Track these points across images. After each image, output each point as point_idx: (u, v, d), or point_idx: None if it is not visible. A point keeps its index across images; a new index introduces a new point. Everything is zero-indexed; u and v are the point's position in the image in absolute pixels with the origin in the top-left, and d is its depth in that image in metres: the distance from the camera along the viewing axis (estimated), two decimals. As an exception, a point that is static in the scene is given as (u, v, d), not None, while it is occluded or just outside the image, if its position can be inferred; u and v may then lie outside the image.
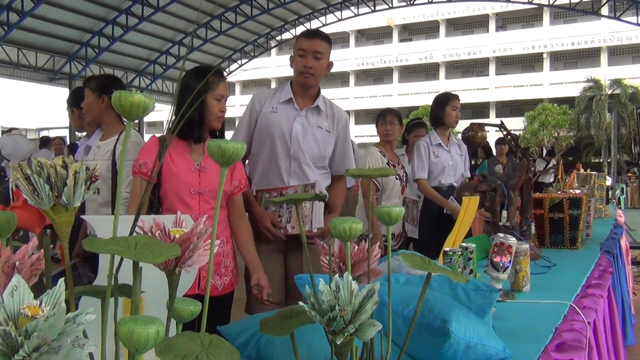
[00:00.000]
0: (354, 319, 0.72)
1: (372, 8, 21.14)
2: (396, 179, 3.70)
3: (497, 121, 3.48)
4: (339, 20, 22.05)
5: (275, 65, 39.35)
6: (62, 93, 19.27)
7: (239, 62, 22.99)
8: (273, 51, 33.74)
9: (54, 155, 7.27)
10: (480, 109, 36.60)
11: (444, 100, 3.88)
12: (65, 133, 18.39)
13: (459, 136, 4.08)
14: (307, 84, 2.53)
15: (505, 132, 2.99)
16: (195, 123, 2.14)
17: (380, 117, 3.94)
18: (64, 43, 17.07)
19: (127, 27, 17.02)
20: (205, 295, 0.71)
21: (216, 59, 21.56)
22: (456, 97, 3.92)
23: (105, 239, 0.64)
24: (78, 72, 18.11)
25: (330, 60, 2.58)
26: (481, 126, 3.59)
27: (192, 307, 0.78)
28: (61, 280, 0.58)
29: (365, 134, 36.83)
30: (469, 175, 4.07)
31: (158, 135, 2.39)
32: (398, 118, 3.91)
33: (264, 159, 2.52)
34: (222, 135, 2.37)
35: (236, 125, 2.63)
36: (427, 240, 3.71)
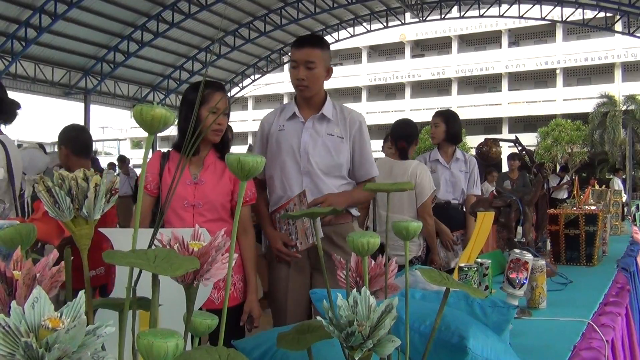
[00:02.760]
0: (373, 335, 0.72)
1: (385, 24, 21.25)
2: None
3: (510, 137, 3.48)
4: (352, 36, 22.19)
5: (288, 81, 39.53)
6: (77, 107, 19.53)
7: (252, 77, 23.15)
8: (285, 66, 33.99)
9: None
10: (492, 125, 36.48)
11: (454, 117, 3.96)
12: (79, 147, 18.56)
13: (473, 151, 4.07)
14: (303, 96, 2.43)
15: (520, 148, 2.97)
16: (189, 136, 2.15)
17: (387, 138, 4.02)
18: (79, 58, 17.32)
19: (142, 43, 17.24)
20: (223, 309, 0.70)
21: (229, 74, 21.75)
22: (435, 114, 3.99)
23: (124, 252, 0.64)
24: (93, 86, 18.34)
25: (329, 65, 2.46)
26: (496, 141, 3.58)
27: (209, 321, 0.78)
28: (81, 293, 0.58)
29: (377, 149, 36.82)
30: (478, 192, 4.00)
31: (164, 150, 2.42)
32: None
33: (277, 179, 2.45)
34: (225, 149, 2.33)
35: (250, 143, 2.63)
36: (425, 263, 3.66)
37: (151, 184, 2.25)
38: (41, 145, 4.18)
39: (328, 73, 2.46)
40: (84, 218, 0.67)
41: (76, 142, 3.06)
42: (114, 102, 20.23)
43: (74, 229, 0.67)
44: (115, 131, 49.77)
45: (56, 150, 3.90)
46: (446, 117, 3.89)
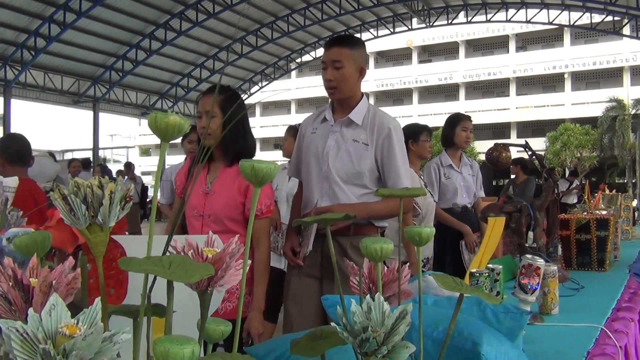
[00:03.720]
0: (387, 341, 0.71)
1: (392, 30, 21.26)
2: (435, 201, 3.65)
3: (519, 142, 3.46)
4: (359, 42, 22.18)
5: (295, 87, 39.68)
6: (86, 115, 19.68)
7: (260, 84, 23.23)
8: (293, 73, 34.08)
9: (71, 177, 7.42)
10: (500, 130, 36.39)
11: (455, 121, 3.86)
12: (89, 155, 18.70)
13: (481, 156, 4.07)
14: (334, 98, 2.35)
15: (530, 152, 2.96)
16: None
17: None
18: (88, 67, 17.44)
19: (150, 51, 17.34)
20: (238, 315, 0.70)
21: (237, 81, 21.83)
22: (467, 117, 3.89)
23: (139, 259, 0.64)
24: (102, 95, 18.46)
25: (362, 65, 2.32)
26: (506, 146, 3.57)
27: (222, 328, 0.78)
28: (97, 300, 0.59)
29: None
30: (483, 195, 4.02)
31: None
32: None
33: (304, 182, 2.41)
34: (239, 157, 2.26)
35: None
36: (444, 265, 3.64)
37: (179, 188, 2.31)
38: (51, 154, 4.23)
39: (361, 73, 2.33)
40: (99, 225, 0.67)
41: (9, 151, 3.12)
42: (122, 110, 20.35)
43: (89, 236, 0.67)
44: (124, 139, 50.08)
45: (65, 158, 3.94)
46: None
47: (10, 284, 0.61)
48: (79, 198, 0.65)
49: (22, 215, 0.94)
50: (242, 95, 23.05)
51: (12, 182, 0.95)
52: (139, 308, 0.72)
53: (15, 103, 16.45)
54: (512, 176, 7.37)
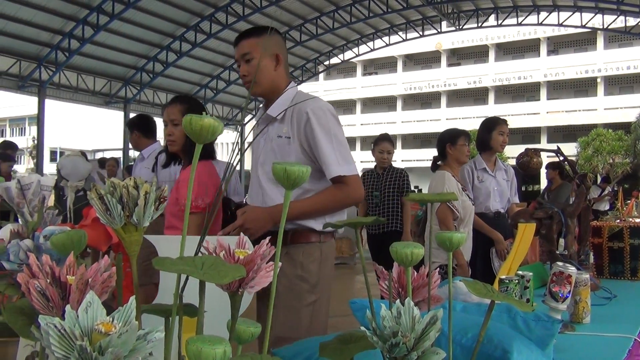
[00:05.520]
0: (417, 346, 0.71)
1: (421, 33, 21.13)
2: (473, 204, 3.62)
3: (550, 147, 3.41)
4: (387, 45, 22.12)
5: (323, 90, 39.70)
6: (117, 116, 19.98)
7: (288, 86, 23.31)
8: (321, 76, 34.13)
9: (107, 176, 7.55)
10: (530, 134, 35.86)
11: (491, 124, 3.84)
12: (119, 154, 19.02)
13: (511, 161, 4.03)
14: (253, 93, 2.15)
15: (562, 158, 2.91)
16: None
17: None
18: (120, 68, 17.74)
19: (180, 53, 17.57)
20: (268, 318, 0.71)
21: (265, 83, 21.92)
22: (504, 121, 3.87)
23: (173, 259, 0.65)
24: (133, 96, 18.76)
25: (276, 52, 2.08)
26: (537, 152, 3.52)
27: (252, 329, 0.78)
28: (132, 298, 0.60)
29: (413, 158, 36.58)
30: (518, 201, 3.98)
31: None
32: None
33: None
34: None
35: None
36: (473, 271, 3.59)
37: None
38: (83, 153, 4.31)
39: (278, 61, 2.08)
40: (134, 225, 0.68)
41: None
42: (152, 111, 20.62)
43: (124, 236, 0.69)
44: (154, 139, 50.69)
45: (96, 157, 4.03)
46: None
47: (49, 280, 0.62)
48: (115, 198, 0.67)
49: None
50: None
51: (50, 180, 0.98)
52: (170, 307, 0.72)
53: (49, 103, 16.84)
54: (545, 181, 7.27)
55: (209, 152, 2.45)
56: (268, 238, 0.74)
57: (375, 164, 5.08)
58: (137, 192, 0.68)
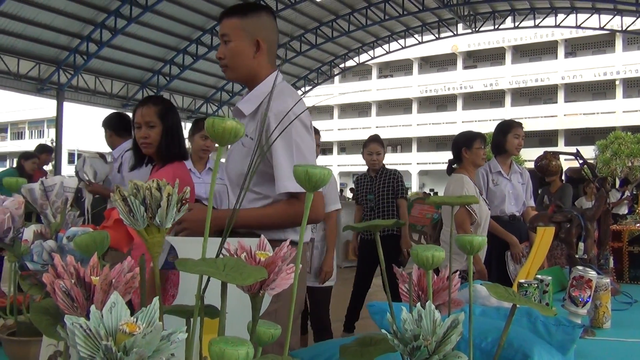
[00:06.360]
0: (438, 350, 0.71)
1: (437, 35, 21.07)
2: (489, 209, 3.58)
3: (566, 149, 3.38)
4: (403, 47, 22.09)
5: (338, 92, 39.69)
6: (134, 119, 20.15)
7: (303, 89, 23.37)
8: (336, 79, 34.14)
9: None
10: (548, 137, 35.56)
11: (506, 127, 3.82)
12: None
13: (528, 164, 3.99)
14: (228, 77, 1.93)
15: (581, 161, 2.88)
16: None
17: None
18: (136, 71, 17.92)
19: (196, 56, 17.69)
20: (289, 317, 0.71)
21: (281, 86, 21.99)
22: (519, 124, 3.84)
23: (195, 260, 0.65)
24: (150, 99, 18.93)
25: (259, 37, 1.84)
26: (555, 155, 3.49)
27: (272, 330, 0.79)
28: (155, 299, 0.60)
29: (428, 161, 36.42)
30: (533, 204, 3.94)
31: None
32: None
33: None
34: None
35: None
36: (488, 274, 3.55)
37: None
38: (101, 155, 4.32)
39: (258, 47, 1.84)
40: (157, 226, 0.69)
41: None
42: (169, 114, 20.78)
43: (146, 237, 0.69)
44: (170, 142, 51.03)
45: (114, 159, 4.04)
46: None
47: (73, 281, 0.63)
48: (138, 200, 0.67)
49: None
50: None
51: (72, 182, 0.99)
52: (192, 308, 0.73)
53: (67, 106, 17.06)
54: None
55: (182, 154, 2.42)
56: (289, 239, 0.74)
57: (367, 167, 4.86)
58: (160, 194, 0.68)
